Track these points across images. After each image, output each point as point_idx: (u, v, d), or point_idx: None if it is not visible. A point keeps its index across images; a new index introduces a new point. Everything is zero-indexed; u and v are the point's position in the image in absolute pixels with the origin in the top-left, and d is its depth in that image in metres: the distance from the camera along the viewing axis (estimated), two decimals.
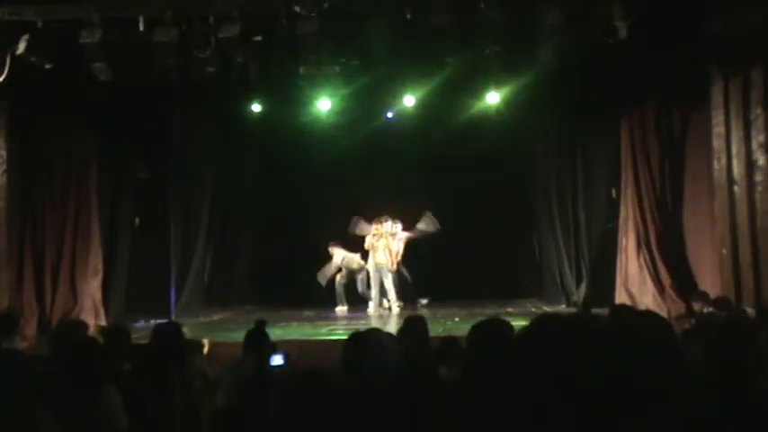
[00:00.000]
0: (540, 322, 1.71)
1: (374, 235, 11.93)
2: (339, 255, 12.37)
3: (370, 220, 12.19)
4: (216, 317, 11.69)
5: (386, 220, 12.06)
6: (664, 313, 8.86)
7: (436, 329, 8.12)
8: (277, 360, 4.99)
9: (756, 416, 2.28)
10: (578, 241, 11.70)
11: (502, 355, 2.64)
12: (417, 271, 12.46)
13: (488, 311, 11.00)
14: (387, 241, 11.92)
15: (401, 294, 12.15)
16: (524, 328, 1.74)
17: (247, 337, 5.70)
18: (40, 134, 10.62)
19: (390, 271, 11.92)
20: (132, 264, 11.40)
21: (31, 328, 9.82)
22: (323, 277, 12.46)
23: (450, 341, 4.92)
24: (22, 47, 8.37)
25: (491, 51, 8.76)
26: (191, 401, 4.88)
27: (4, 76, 8.64)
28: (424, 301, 12.29)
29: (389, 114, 12.48)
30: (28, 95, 9.68)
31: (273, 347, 5.57)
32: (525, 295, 12.68)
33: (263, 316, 6.86)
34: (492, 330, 3.09)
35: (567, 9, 8.30)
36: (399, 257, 12.18)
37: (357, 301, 12.46)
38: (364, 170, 12.78)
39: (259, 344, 5.56)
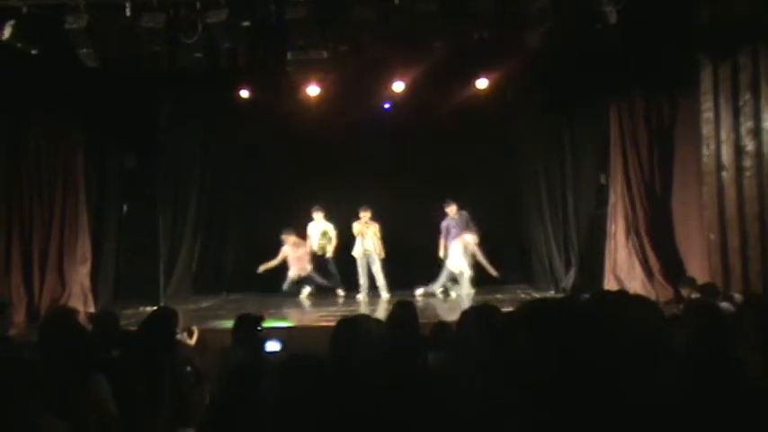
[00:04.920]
0: (528, 308, 1.71)
1: (365, 223, 11.95)
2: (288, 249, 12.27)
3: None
4: (205, 304, 11.67)
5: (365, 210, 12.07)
6: (652, 299, 8.90)
7: (426, 315, 8.14)
8: (272, 346, 4.95)
9: (741, 400, 2.30)
10: (567, 227, 11.71)
11: (491, 341, 2.64)
12: (406, 258, 12.44)
13: (478, 298, 11.05)
14: (375, 228, 11.95)
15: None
16: (513, 314, 1.74)
17: (237, 324, 5.69)
18: (26, 122, 10.57)
19: (378, 257, 11.93)
20: (121, 251, 11.36)
21: (19, 316, 9.82)
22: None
23: (439, 327, 4.92)
24: (6, 33, 8.29)
25: (479, 37, 8.72)
26: (180, 388, 4.86)
27: None
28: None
29: (386, 105, 12.43)
30: (14, 83, 9.61)
31: (265, 334, 5.55)
32: (514, 282, 12.67)
33: (251, 303, 6.86)
34: (481, 316, 3.10)
35: None
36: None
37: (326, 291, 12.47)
38: (353, 156, 12.73)
39: (249, 331, 5.55)
